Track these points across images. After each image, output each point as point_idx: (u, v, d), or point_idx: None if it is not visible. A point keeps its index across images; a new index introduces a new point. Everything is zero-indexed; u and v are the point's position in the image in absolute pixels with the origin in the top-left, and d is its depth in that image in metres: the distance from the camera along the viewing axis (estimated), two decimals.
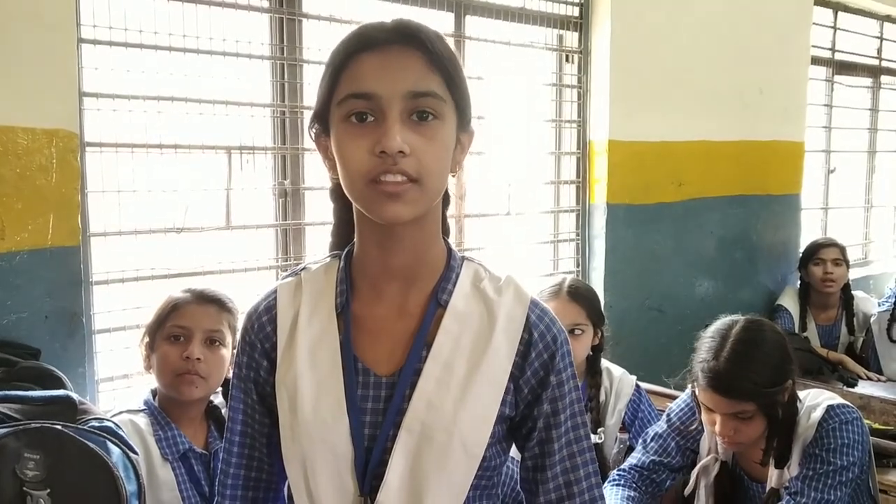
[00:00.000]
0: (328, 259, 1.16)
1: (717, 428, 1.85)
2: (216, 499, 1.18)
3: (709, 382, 1.82)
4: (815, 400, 1.91)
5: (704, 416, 1.92)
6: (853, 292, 3.86)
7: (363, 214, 1.03)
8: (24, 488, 1.34)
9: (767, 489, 1.92)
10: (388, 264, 1.07)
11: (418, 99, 0.97)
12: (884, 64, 5.06)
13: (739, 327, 1.88)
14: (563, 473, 1.09)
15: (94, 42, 2.13)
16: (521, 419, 1.10)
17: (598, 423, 2.30)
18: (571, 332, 2.17)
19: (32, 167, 1.96)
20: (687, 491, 2.05)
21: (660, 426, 2.12)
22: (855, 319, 3.81)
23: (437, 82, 0.99)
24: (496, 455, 1.08)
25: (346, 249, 1.14)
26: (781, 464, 1.88)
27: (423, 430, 1.02)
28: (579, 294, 2.31)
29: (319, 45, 2.50)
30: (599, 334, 2.36)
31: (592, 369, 2.36)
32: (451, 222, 1.19)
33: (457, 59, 1.03)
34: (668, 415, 2.11)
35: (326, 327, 1.08)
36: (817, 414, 1.86)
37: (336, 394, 1.04)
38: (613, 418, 2.33)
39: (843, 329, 3.82)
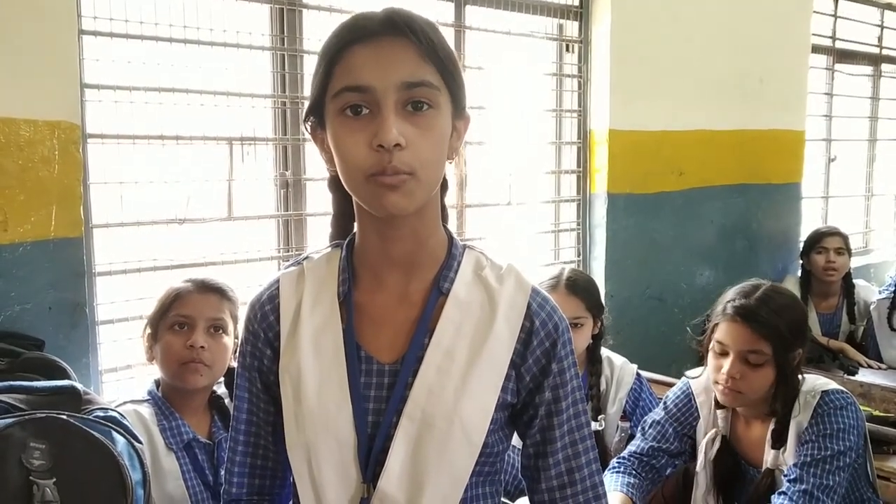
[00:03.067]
0: (330, 248, 1.16)
1: (725, 369, 1.87)
2: (223, 486, 1.19)
3: (737, 311, 1.88)
4: (810, 385, 1.93)
5: (713, 363, 1.94)
6: (854, 281, 3.87)
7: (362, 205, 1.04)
8: (31, 478, 1.35)
9: (763, 470, 1.94)
10: (389, 253, 1.08)
11: (412, 89, 0.98)
12: (884, 52, 5.05)
13: (769, 284, 1.97)
14: (566, 460, 1.10)
15: (95, 33, 2.14)
16: (522, 406, 1.10)
17: (598, 410, 2.31)
18: (571, 325, 2.18)
19: (35, 159, 1.96)
20: (699, 467, 2.06)
21: (657, 413, 2.14)
22: (856, 308, 3.81)
23: (431, 71, 0.99)
24: (498, 442, 1.09)
25: (347, 238, 1.14)
26: (778, 444, 1.91)
27: (424, 417, 1.03)
28: (578, 286, 2.31)
29: (320, 35, 2.50)
30: (599, 324, 2.36)
31: (592, 357, 2.37)
32: (452, 212, 1.19)
33: (448, 46, 1.03)
34: (665, 402, 2.14)
35: (329, 316, 1.09)
36: (812, 400, 1.88)
37: (339, 382, 1.05)
38: (615, 407, 2.34)
39: (844, 317, 3.82)
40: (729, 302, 1.92)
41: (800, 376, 1.93)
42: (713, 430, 2.03)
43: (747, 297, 1.90)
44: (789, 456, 1.89)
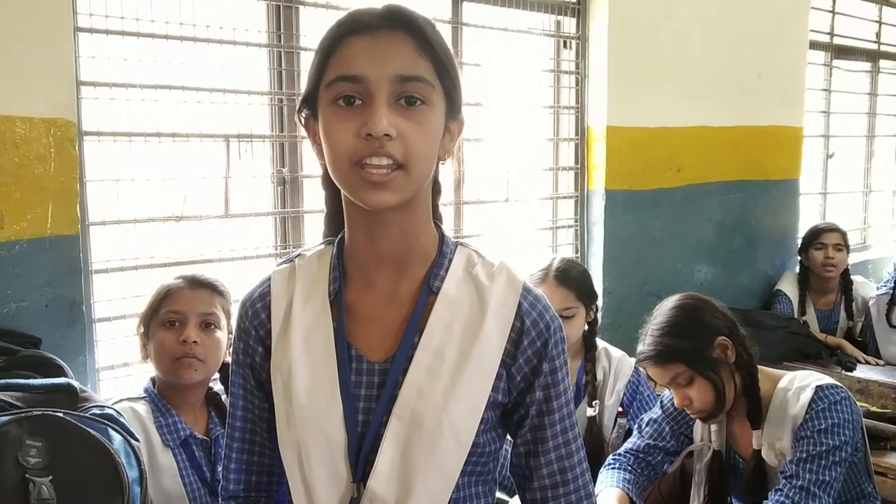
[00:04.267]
0: (321, 246, 1.16)
1: (675, 402, 1.97)
2: (221, 483, 1.19)
3: (640, 361, 1.98)
4: (803, 381, 1.93)
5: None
6: (852, 277, 3.86)
7: (351, 201, 1.03)
8: (27, 475, 1.35)
9: (750, 452, 1.96)
10: (378, 251, 1.07)
11: (406, 83, 0.97)
12: (882, 48, 5.03)
13: (660, 307, 2.01)
14: (559, 460, 1.10)
15: (91, 30, 2.13)
16: (513, 406, 1.10)
17: (593, 396, 2.31)
18: (562, 316, 2.18)
19: (31, 156, 1.96)
20: (671, 469, 2.09)
21: (654, 412, 2.15)
22: (854, 304, 3.81)
23: (426, 68, 0.99)
24: (490, 441, 1.09)
25: (338, 236, 1.14)
26: (756, 424, 1.93)
27: (413, 417, 1.02)
28: (567, 276, 2.30)
29: (317, 32, 2.49)
30: (594, 309, 2.36)
31: (588, 345, 2.37)
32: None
33: (447, 46, 1.03)
34: (662, 400, 2.15)
35: (320, 314, 1.09)
36: (806, 395, 1.88)
37: (330, 380, 1.05)
38: (612, 398, 2.34)
39: (843, 314, 3.82)
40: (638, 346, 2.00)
41: (753, 357, 1.95)
42: (703, 444, 2.06)
43: (643, 343, 1.97)
44: (786, 451, 1.89)
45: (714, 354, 1.90)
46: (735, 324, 1.96)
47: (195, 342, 1.80)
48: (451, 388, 1.03)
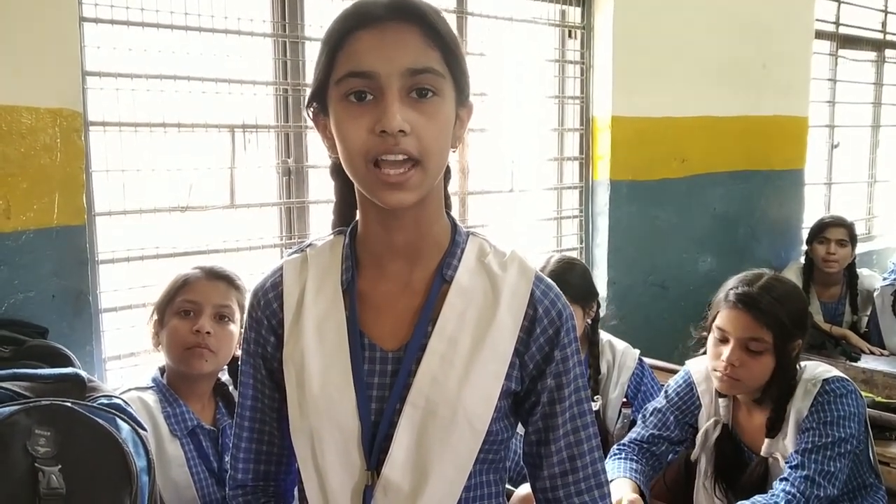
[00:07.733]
0: (333, 236, 1.16)
1: (725, 355, 1.88)
2: (229, 472, 1.20)
3: (739, 298, 1.88)
4: (811, 373, 1.93)
5: (712, 350, 1.94)
6: (858, 270, 3.81)
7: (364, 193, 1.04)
8: (36, 464, 1.35)
9: (757, 458, 1.95)
10: (392, 242, 1.07)
11: (417, 76, 0.97)
12: (888, 38, 5.02)
13: (772, 273, 1.97)
14: (568, 448, 1.10)
15: (96, 20, 2.13)
16: (525, 394, 1.11)
17: (595, 391, 2.32)
18: None
19: (37, 146, 1.96)
20: (693, 456, 2.07)
21: (658, 402, 2.15)
22: (859, 298, 3.78)
23: (436, 58, 0.99)
24: (503, 430, 1.09)
25: (350, 226, 1.14)
26: (773, 433, 1.92)
27: (428, 405, 1.03)
28: (562, 280, 2.27)
29: (321, 22, 2.50)
30: (594, 307, 2.35)
31: (590, 341, 2.37)
32: (455, 199, 1.19)
33: (453, 33, 1.02)
34: (666, 390, 2.14)
35: (332, 304, 1.09)
36: (813, 388, 1.88)
37: (343, 369, 1.05)
38: (616, 391, 2.34)
39: (847, 307, 3.80)
40: (731, 289, 1.92)
41: (799, 365, 1.94)
42: (712, 420, 2.04)
43: (750, 285, 1.90)
44: (789, 444, 1.89)
45: (790, 346, 1.88)
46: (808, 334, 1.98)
47: (208, 333, 1.80)
48: (465, 377, 1.04)
